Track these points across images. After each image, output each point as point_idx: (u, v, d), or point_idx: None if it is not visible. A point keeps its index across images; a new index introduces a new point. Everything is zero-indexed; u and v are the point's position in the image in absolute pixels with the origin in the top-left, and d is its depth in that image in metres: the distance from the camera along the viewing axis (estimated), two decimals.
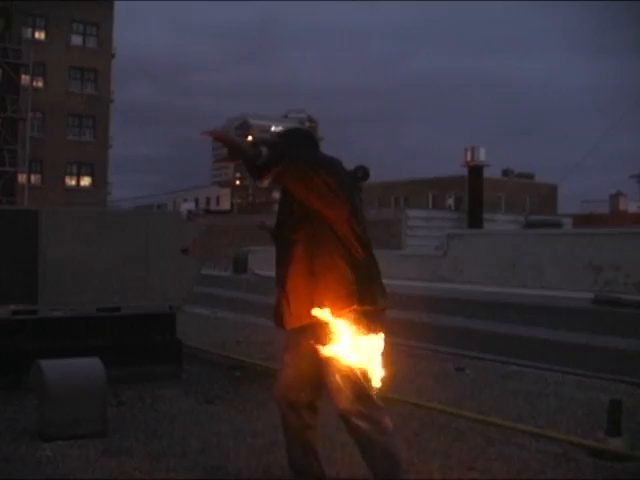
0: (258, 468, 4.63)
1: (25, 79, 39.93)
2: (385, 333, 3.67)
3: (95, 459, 4.78)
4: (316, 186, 3.49)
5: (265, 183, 3.64)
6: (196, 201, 77.72)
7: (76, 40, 44.03)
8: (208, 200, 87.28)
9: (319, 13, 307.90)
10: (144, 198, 65.54)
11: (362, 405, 3.58)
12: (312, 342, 3.64)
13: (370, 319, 3.61)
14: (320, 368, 3.68)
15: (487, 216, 38.51)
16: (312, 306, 3.61)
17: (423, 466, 4.66)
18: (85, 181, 44.93)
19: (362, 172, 3.75)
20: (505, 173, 59.43)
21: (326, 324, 3.59)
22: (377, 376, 3.62)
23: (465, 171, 41.46)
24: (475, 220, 37.20)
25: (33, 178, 42.22)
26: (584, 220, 42.07)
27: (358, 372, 3.58)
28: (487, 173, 41.84)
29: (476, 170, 39.95)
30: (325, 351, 3.58)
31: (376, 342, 3.63)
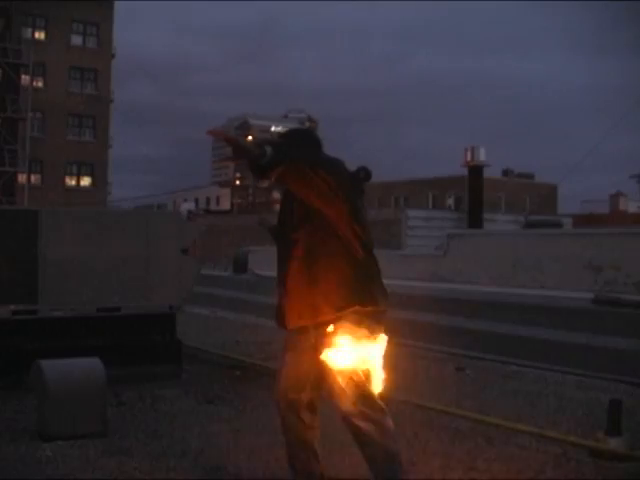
0: (258, 468, 4.63)
1: (25, 79, 39.94)
2: (386, 333, 3.68)
3: (95, 459, 4.78)
4: (316, 185, 3.49)
5: (268, 183, 3.65)
6: (196, 201, 77.70)
7: (76, 40, 44.03)
8: (208, 200, 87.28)
9: (319, 13, 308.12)
10: (144, 198, 65.63)
11: (364, 406, 3.58)
12: (313, 343, 3.64)
13: (371, 319, 3.61)
14: (321, 368, 3.68)
15: (487, 216, 38.49)
16: (313, 306, 3.61)
17: (423, 466, 4.66)
18: (85, 181, 44.94)
19: (364, 173, 3.76)
20: (505, 173, 59.41)
21: (327, 324, 3.59)
22: (378, 378, 3.63)
23: (465, 171, 41.44)
24: (475, 220, 37.18)
25: (33, 178, 42.22)
26: (584, 220, 42.05)
27: (360, 373, 3.59)
28: (487, 173, 41.83)
29: (476, 170, 39.93)
30: (327, 352, 3.58)
31: (377, 343, 3.64)
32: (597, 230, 26.81)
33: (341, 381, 3.58)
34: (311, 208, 3.58)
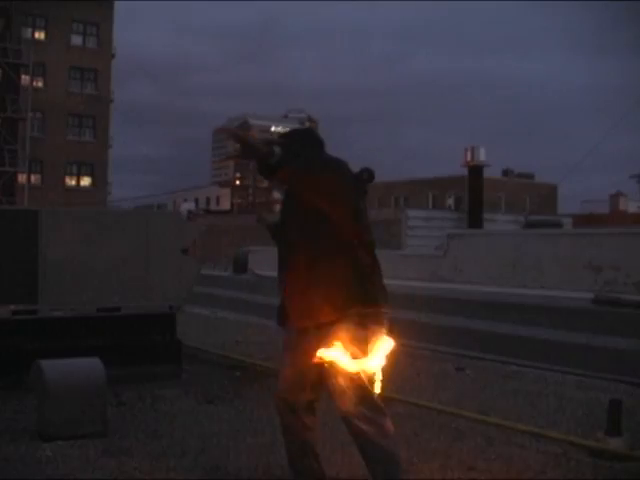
0: (258, 468, 4.63)
1: (25, 79, 39.95)
2: (387, 334, 3.68)
3: (95, 459, 4.78)
4: (321, 186, 3.50)
5: (275, 182, 3.65)
6: (196, 201, 77.71)
7: (76, 40, 44.04)
8: (208, 200, 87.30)
9: (319, 13, 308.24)
10: (144, 198, 65.66)
11: (365, 407, 3.58)
12: (314, 343, 3.64)
13: (372, 320, 3.61)
14: (321, 369, 3.67)
15: (487, 216, 38.51)
16: (314, 307, 3.61)
17: (423, 466, 4.66)
18: (85, 181, 44.95)
19: (367, 174, 3.76)
20: (505, 173, 59.43)
21: (328, 325, 3.59)
22: (379, 379, 3.63)
23: (465, 171, 41.45)
24: (475, 220, 37.20)
25: (33, 178, 42.23)
26: (584, 220, 42.07)
27: (360, 374, 3.58)
28: (487, 173, 41.85)
29: (476, 170, 39.94)
30: (328, 352, 3.58)
31: (379, 343, 3.64)
32: (597, 230, 26.83)
33: (341, 382, 3.58)
34: (314, 208, 3.59)
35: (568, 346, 11.01)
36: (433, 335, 11.39)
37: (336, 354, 3.56)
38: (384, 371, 3.68)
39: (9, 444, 5.06)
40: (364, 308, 3.60)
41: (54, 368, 5.35)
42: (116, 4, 45.45)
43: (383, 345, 3.64)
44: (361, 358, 3.58)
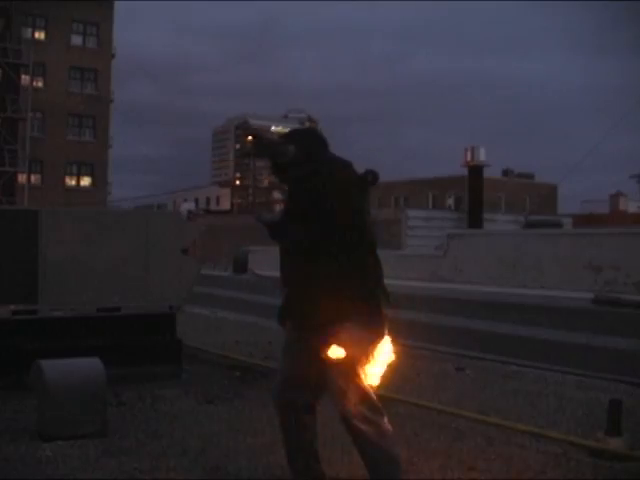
0: (258, 468, 4.63)
1: (25, 79, 39.93)
2: (388, 334, 3.68)
3: (95, 459, 4.78)
4: (328, 186, 3.52)
5: (285, 180, 3.68)
6: (196, 201, 77.73)
7: (76, 40, 44.04)
8: (208, 200, 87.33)
9: (319, 13, 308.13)
10: (144, 198, 65.62)
11: (365, 408, 3.58)
12: (314, 344, 3.64)
13: (373, 321, 3.61)
14: (320, 369, 3.68)
15: (487, 216, 38.52)
16: (315, 306, 3.61)
17: (423, 466, 4.66)
18: (85, 181, 44.94)
19: (372, 176, 3.78)
20: (505, 173, 59.45)
21: (329, 325, 3.59)
22: (378, 379, 3.63)
23: (465, 171, 41.47)
24: (475, 220, 37.21)
25: (33, 178, 42.22)
26: (584, 220, 42.08)
27: (361, 374, 3.58)
28: (487, 173, 41.86)
29: (476, 170, 39.96)
30: (328, 353, 3.58)
31: (380, 344, 3.64)
32: (597, 230, 26.83)
33: (343, 383, 3.58)
34: (317, 208, 3.59)
35: (568, 346, 11.02)
36: (433, 335, 11.40)
37: (336, 354, 3.56)
38: (385, 371, 3.68)
39: (9, 444, 5.06)
40: (365, 309, 3.60)
41: (54, 368, 5.35)
42: (116, 4, 45.52)
43: (384, 346, 3.65)
44: (361, 359, 3.59)
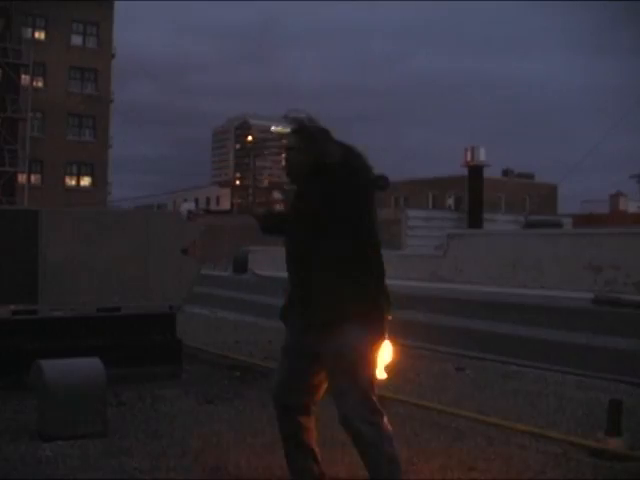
0: (258, 468, 4.63)
1: (25, 79, 39.94)
2: (389, 335, 3.68)
3: (95, 459, 4.78)
4: (336, 185, 3.53)
5: (297, 179, 3.74)
6: (196, 201, 77.62)
7: (76, 40, 44.04)
8: (208, 200, 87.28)
9: (319, 13, 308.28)
10: (144, 198, 65.58)
11: (365, 409, 3.57)
12: (314, 344, 3.63)
13: (374, 322, 3.61)
14: (320, 370, 3.67)
15: (487, 216, 38.52)
16: (317, 306, 3.61)
17: (423, 466, 4.66)
18: (85, 181, 44.94)
19: (383, 182, 3.81)
20: (505, 173, 59.42)
21: (330, 325, 3.58)
22: (378, 379, 3.63)
23: (465, 171, 41.45)
24: (475, 220, 37.21)
25: (33, 178, 42.22)
26: (584, 220, 42.08)
27: (360, 375, 3.58)
28: (487, 173, 41.85)
29: (476, 170, 39.95)
30: (327, 353, 3.58)
31: (381, 345, 3.64)
32: (597, 230, 26.84)
33: (344, 383, 3.58)
34: (321, 208, 3.59)
35: (568, 346, 11.02)
36: (433, 335, 11.40)
37: (337, 353, 3.56)
38: (386, 371, 3.68)
39: (9, 444, 5.06)
40: (366, 309, 3.59)
41: (54, 368, 5.35)
42: (116, 4, 45.53)
43: (384, 347, 3.65)
44: (361, 359, 3.58)
